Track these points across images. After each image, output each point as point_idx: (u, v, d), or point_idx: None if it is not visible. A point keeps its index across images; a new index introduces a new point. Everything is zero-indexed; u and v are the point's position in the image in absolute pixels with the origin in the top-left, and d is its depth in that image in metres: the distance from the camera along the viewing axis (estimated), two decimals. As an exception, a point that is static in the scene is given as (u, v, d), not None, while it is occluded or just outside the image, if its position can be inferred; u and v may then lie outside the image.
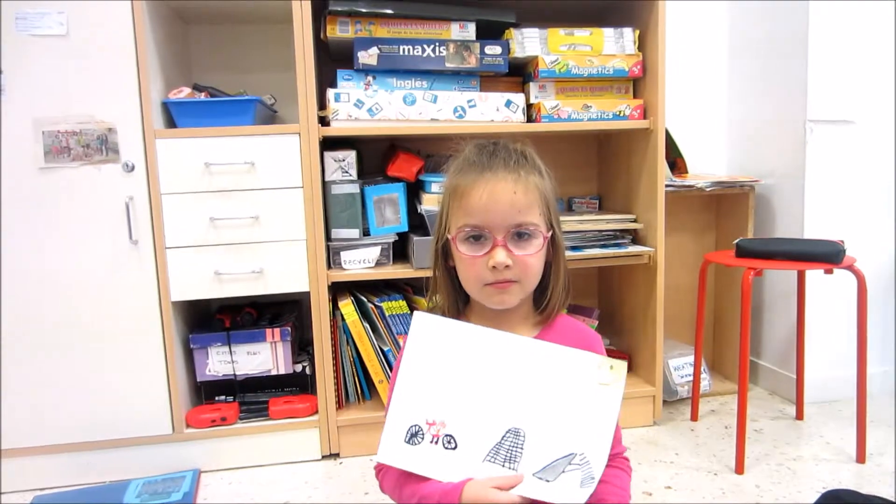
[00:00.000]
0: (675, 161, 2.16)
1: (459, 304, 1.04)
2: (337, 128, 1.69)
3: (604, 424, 0.90)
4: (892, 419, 1.89)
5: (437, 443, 0.90)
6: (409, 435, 0.91)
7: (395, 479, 0.94)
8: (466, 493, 0.86)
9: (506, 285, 0.93)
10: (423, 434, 0.90)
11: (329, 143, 1.76)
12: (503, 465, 0.88)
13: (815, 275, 1.91)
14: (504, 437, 0.89)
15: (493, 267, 0.91)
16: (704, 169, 2.32)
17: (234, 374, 1.74)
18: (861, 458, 1.65)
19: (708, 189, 2.03)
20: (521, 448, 0.89)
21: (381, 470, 0.99)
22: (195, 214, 1.63)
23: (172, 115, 1.68)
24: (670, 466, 1.67)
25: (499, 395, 0.91)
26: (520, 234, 0.92)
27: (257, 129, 1.65)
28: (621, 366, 0.91)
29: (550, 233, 0.96)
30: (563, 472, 0.87)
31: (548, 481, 0.87)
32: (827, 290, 1.99)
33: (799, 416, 1.94)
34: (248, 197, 1.65)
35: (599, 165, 2.21)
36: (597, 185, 2.22)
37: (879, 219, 2.04)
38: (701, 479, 1.60)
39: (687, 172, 2.18)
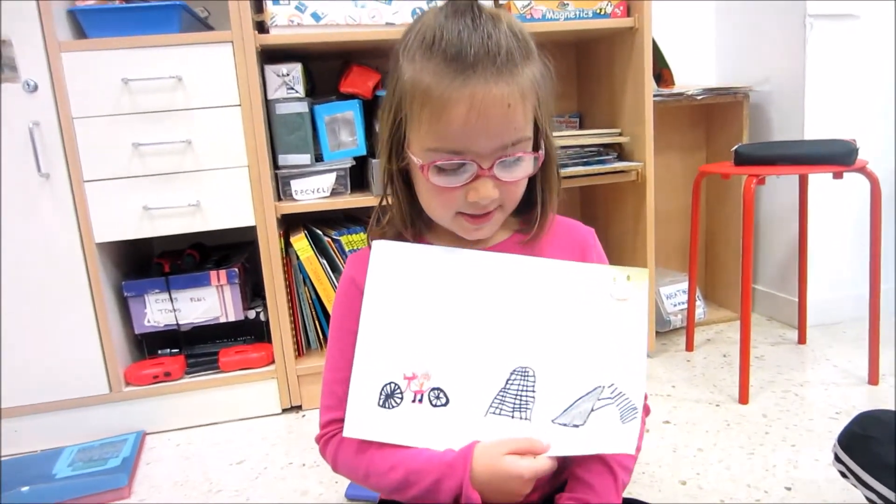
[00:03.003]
0: (661, 73, 1.95)
1: (414, 223, 0.76)
2: (276, 35, 1.45)
3: (631, 346, 0.71)
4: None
5: (420, 401, 0.70)
6: (382, 397, 0.70)
7: (354, 450, 0.72)
8: (478, 466, 0.65)
9: (486, 218, 0.70)
10: (400, 392, 0.70)
11: (271, 57, 1.53)
12: (513, 417, 0.69)
13: (818, 185, 1.74)
14: (509, 380, 0.70)
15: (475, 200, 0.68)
16: (693, 80, 2.11)
17: (178, 324, 1.54)
18: (874, 379, 1.52)
19: (699, 98, 1.84)
20: (532, 391, 0.70)
21: (328, 441, 0.75)
22: (115, 141, 1.40)
23: (82, 27, 1.43)
24: (668, 400, 1.52)
25: (496, 331, 0.71)
26: (511, 158, 0.67)
27: (183, 38, 1.42)
28: (641, 274, 0.73)
29: (542, 148, 0.71)
30: (593, 410, 0.69)
31: (576, 426, 0.68)
32: (830, 203, 1.82)
33: (801, 340, 1.80)
34: (178, 118, 1.42)
35: (579, 79, 2.00)
36: (577, 101, 2.01)
37: (887, 123, 1.86)
38: (702, 411, 1.45)
39: (674, 84, 1.98)
